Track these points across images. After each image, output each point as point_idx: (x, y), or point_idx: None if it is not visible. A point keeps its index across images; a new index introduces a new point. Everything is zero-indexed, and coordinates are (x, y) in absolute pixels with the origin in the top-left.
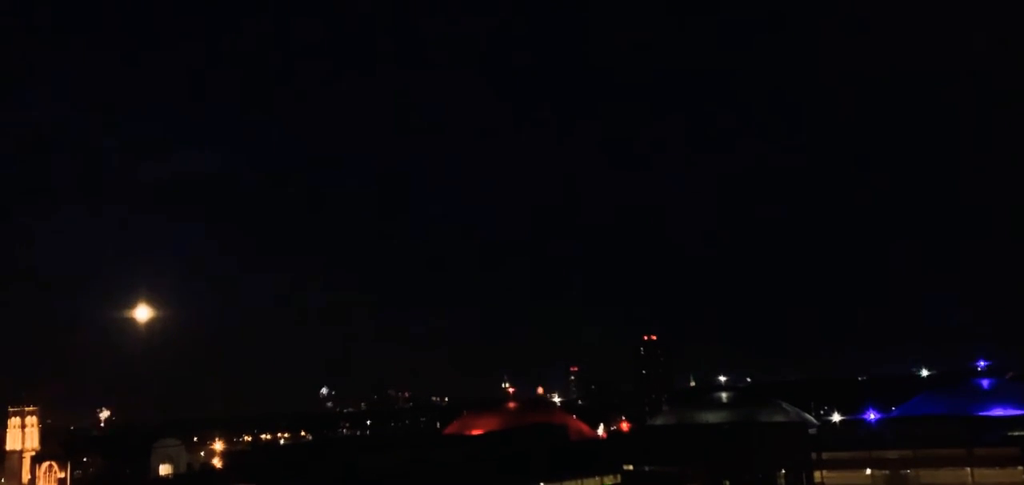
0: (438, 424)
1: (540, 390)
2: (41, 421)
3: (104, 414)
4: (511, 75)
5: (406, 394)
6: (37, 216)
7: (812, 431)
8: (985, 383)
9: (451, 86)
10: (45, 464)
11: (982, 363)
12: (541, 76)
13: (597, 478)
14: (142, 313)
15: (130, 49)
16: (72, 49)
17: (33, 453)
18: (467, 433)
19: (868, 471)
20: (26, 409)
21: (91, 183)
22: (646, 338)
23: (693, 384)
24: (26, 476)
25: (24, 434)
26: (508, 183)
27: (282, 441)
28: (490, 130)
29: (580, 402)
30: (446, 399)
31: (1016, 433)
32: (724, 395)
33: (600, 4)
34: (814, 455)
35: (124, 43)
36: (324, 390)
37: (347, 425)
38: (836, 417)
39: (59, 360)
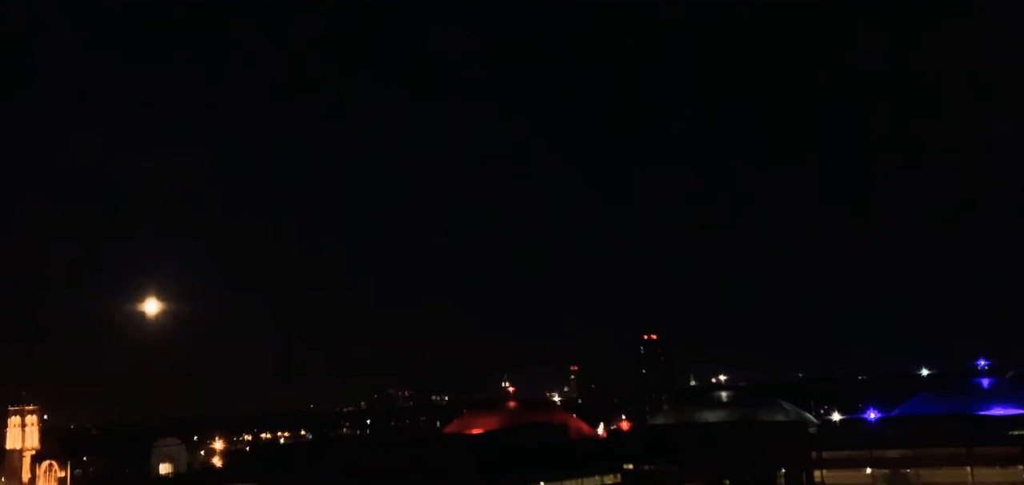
0: (438, 424)
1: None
2: (40, 419)
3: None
4: (509, 73)
5: (406, 394)
6: (36, 215)
7: (812, 430)
8: (985, 383)
9: (449, 85)
10: (45, 463)
11: (982, 363)
12: (539, 75)
13: (597, 477)
14: (151, 307)
15: (130, 49)
16: (72, 49)
17: (33, 452)
18: (467, 433)
19: (868, 470)
20: (26, 408)
21: (90, 182)
22: (646, 338)
23: (693, 384)
24: (26, 475)
25: (24, 433)
26: (508, 182)
27: (282, 441)
28: (490, 128)
29: (580, 401)
30: (446, 399)
31: (1016, 433)
32: (724, 395)
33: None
34: (814, 454)
35: (124, 43)
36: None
37: (347, 425)
38: (836, 416)
39: (58, 359)
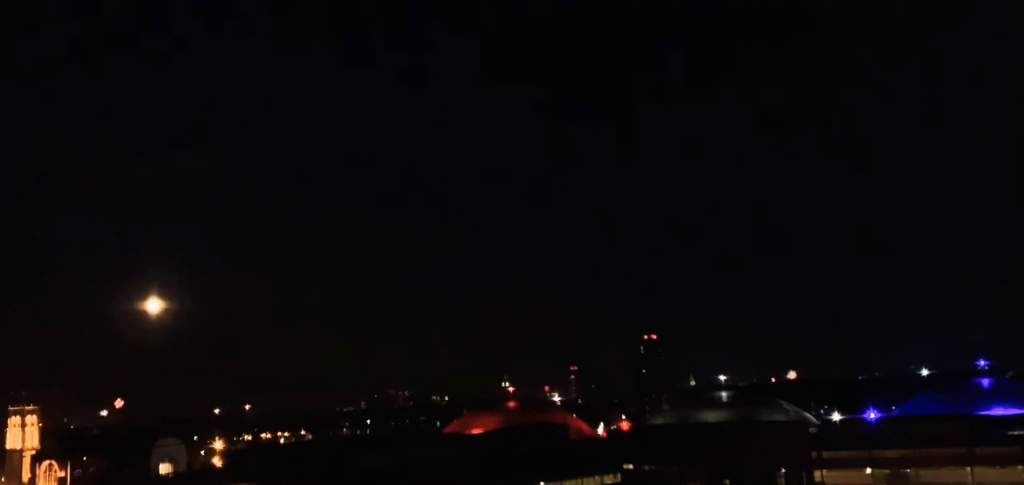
0: (438, 424)
1: (546, 388)
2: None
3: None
4: (506, 70)
5: (406, 393)
6: (35, 216)
7: (812, 430)
8: (985, 383)
9: (448, 84)
10: (45, 463)
11: (982, 363)
12: (537, 72)
13: (597, 477)
14: (153, 306)
15: (130, 50)
16: (70, 48)
17: (33, 452)
18: (467, 432)
19: (868, 470)
20: (26, 408)
21: (89, 182)
22: (646, 338)
23: (693, 384)
24: (26, 475)
25: (24, 433)
26: (507, 182)
27: (282, 441)
28: (487, 128)
29: (580, 401)
30: (446, 399)
31: (1016, 432)
32: (724, 395)
33: (600, 9)
34: (814, 454)
35: (125, 43)
36: None
37: (347, 425)
38: (836, 416)
39: (58, 359)
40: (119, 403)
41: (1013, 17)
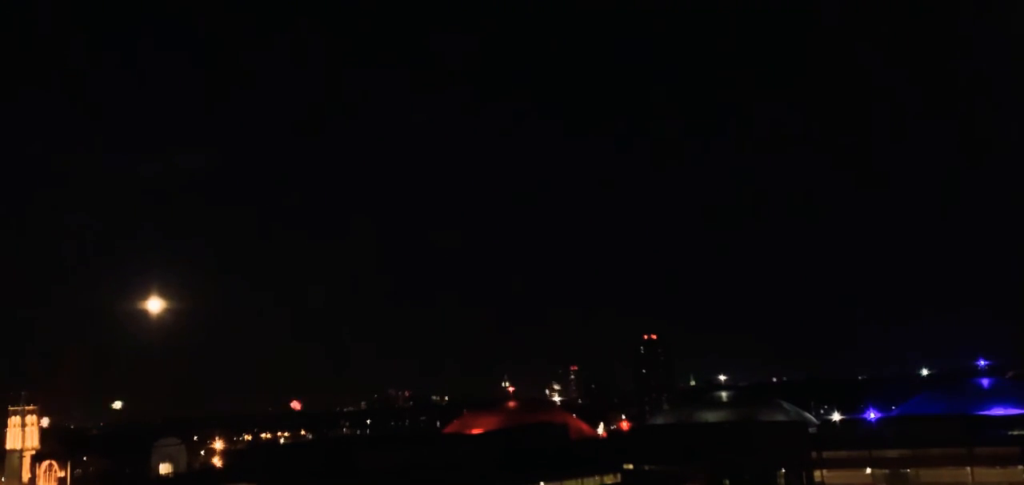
0: (438, 424)
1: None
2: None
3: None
4: (507, 71)
5: (406, 393)
6: (36, 215)
7: (812, 430)
8: (985, 383)
9: (449, 84)
10: (45, 463)
11: (982, 363)
12: (538, 73)
13: (597, 478)
14: (154, 305)
15: (130, 48)
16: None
17: (33, 452)
18: (467, 432)
19: (868, 470)
20: (26, 408)
21: (90, 182)
22: (646, 338)
23: (693, 384)
24: (26, 475)
25: (24, 433)
26: (507, 182)
27: (282, 441)
28: (487, 129)
29: (580, 401)
30: (446, 399)
31: (1016, 432)
32: (724, 395)
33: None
34: (814, 454)
35: (125, 42)
36: None
37: (347, 425)
38: (836, 416)
39: (59, 359)
40: (118, 405)
41: (1014, 19)
